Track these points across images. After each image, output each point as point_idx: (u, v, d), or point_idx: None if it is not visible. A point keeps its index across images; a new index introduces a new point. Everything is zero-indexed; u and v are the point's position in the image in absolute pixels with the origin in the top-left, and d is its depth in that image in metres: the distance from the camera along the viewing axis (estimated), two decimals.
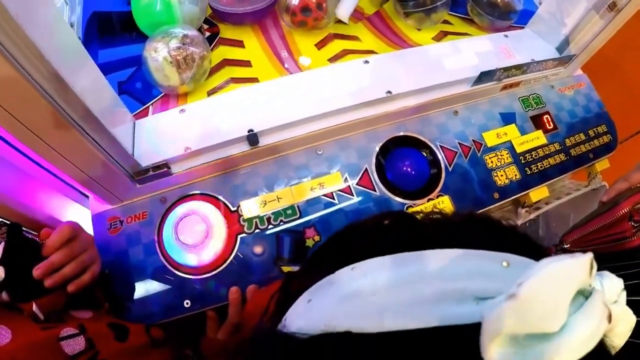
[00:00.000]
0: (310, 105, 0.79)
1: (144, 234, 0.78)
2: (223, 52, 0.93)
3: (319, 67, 0.85)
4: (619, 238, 0.69)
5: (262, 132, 0.77)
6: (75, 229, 0.61)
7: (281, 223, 0.79)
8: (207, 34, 0.97)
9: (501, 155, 0.90)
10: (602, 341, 0.22)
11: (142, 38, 0.91)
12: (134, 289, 0.74)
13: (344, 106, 0.79)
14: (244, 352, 0.29)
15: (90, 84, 0.61)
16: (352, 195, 0.81)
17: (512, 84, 0.93)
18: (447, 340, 0.22)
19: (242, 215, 0.79)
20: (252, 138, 0.77)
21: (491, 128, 0.91)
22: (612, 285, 0.24)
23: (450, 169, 0.86)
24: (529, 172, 0.92)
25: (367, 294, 0.25)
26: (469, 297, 0.23)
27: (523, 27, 1.04)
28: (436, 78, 0.84)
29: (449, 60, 0.88)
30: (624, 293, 0.25)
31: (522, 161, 0.92)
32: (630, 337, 0.24)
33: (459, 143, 0.88)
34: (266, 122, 0.78)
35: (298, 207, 0.80)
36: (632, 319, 0.25)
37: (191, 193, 0.80)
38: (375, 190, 0.82)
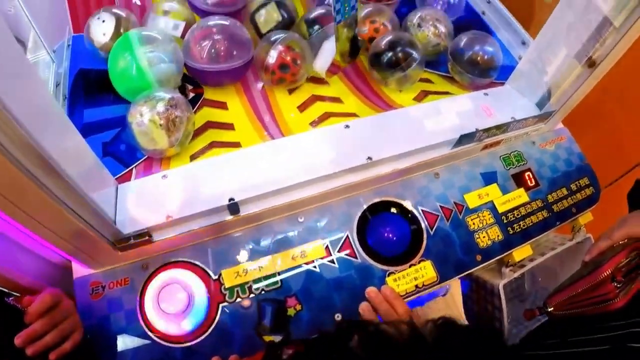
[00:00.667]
0: (291, 173, 0.80)
1: (125, 300, 0.77)
2: (207, 113, 0.94)
3: (301, 133, 0.86)
4: (602, 300, 0.68)
5: (243, 201, 0.78)
6: (57, 297, 0.63)
7: (262, 292, 0.79)
8: (192, 94, 0.98)
9: (483, 217, 0.91)
10: None
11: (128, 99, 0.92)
12: (115, 356, 0.73)
13: (325, 174, 0.79)
14: None
15: (70, 150, 0.62)
16: (334, 263, 0.81)
17: (493, 143, 0.94)
18: None
19: (223, 284, 0.78)
20: (233, 207, 0.78)
21: (473, 189, 0.92)
22: None
23: (432, 233, 0.86)
24: (511, 232, 0.92)
25: None
26: None
27: (504, 83, 1.06)
28: (417, 142, 0.85)
29: (429, 121, 0.90)
30: None
31: (504, 221, 0.93)
32: None
33: (441, 206, 0.89)
34: (247, 190, 0.78)
35: (279, 275, 0.80)
36: None
37: (173, 260, 0.80)
38: (356, 258, 0.82)
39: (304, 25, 1.04)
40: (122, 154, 0.92)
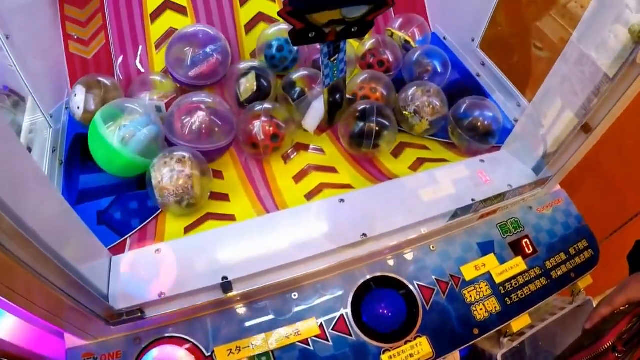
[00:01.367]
0: (285, 250, 0.79)
1: None
2: None
3: (296, 206, 0.86)
4: None
5: (236, 280, 0.77)
6: None
7: None
8: None
9: (480, 288, 0.90)
10: None
11: None
12: None
13: (319, 252, 0.79)
14: None
15: (58, 227, 0.61)
16: (328, 340, 0.80)
17: (490, 211, 0.94)
18: None
19: None
20: (226, 286, 0.77)
21: (469, 260, 0.91)
22: None
23: (427, 308, 0.85)
24: (509, 302, 0.91)
25: None
26: None
27: (499, 146, 1.06)
28: (412, 216, 0.85)
29: (425, 193, 0.89)
30: None
31: (502, 291, 0.91)
32: None
33: (437, 279, 0.88)
34: (241, 268, 0.78)
35: (273, 354, 0.78)
36: None
37: (166, 335, 0.79)
38: (351, 335, 0.81)
39: (283, 88, 1.08)
40: (117, 224, 0.92)
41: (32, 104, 1.07)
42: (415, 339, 0.83)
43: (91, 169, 0.97)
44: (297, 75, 1.09)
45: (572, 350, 0.72)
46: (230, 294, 0.78)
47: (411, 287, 0.85)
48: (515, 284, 0.93)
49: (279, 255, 0.79)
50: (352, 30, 0.86)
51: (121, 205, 0.93)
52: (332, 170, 0.97)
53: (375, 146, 0.99)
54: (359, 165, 1.00)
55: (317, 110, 1.02)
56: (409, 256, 0.88)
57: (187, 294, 0.77)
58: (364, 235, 0.81)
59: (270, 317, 0.81)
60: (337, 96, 0.99)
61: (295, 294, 0.82)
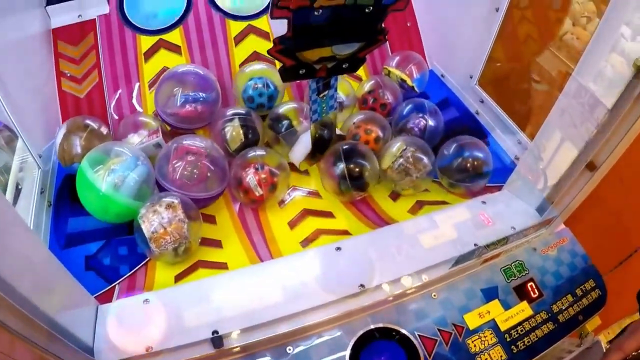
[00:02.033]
0: (279, 302, 0.76)
1: None
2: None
3: (290, 255, 0.82)
4: None
5: (227, 334, 0.73)
6: None
7: None
8: None
9: (484, 337, 0.86)
10: None
11: None
12: None
13: (314, 304, 0.75)
14: None
15: (40, 279, 0.59)
16: None
17: (493, 255, 0.90)
18: None
19: None
20: (217, 341, 0.74)
21: (473, 308, 0.87)
22: None
23: None
24: (515, 350, 0.87)
25: None
26: None
27: (501, 186, 1.03)
28: (412, 264, 0.81)
29: (425, 238, 0.86)
30: None
31: (508, 339, 0.87)
32: None
33: (439, 329, 0.83)
34: (232, 321, 0.75)
35: None
36: None
37: None
38: None
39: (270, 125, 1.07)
40: (105, 270, 0.89)
41: (22, 142, 1.05)
42: None
43: (80, 211, 0.94)
44: (285, 108, 1.07)
45: None
46: (221, 349, 0.74)
47: (412, 338, 0.81)
48: (522, 331, 0.89)
49: (272, 307, 0.76)
50: (344, 66, 0.84)
51: (110, 251, 0.90)
52: (328, 215, 0.94)
53: (357, 188, 0.96)
54: (356, 209, 0.97)
55: (303, 143, 1.00)
56: (410, 305, 0.84)
57: (175, 349, 0.73)
58: (362, 286, 0.78)
59: None
60: (325, 132, 0.97)
61: (290, 347, 0.78)
